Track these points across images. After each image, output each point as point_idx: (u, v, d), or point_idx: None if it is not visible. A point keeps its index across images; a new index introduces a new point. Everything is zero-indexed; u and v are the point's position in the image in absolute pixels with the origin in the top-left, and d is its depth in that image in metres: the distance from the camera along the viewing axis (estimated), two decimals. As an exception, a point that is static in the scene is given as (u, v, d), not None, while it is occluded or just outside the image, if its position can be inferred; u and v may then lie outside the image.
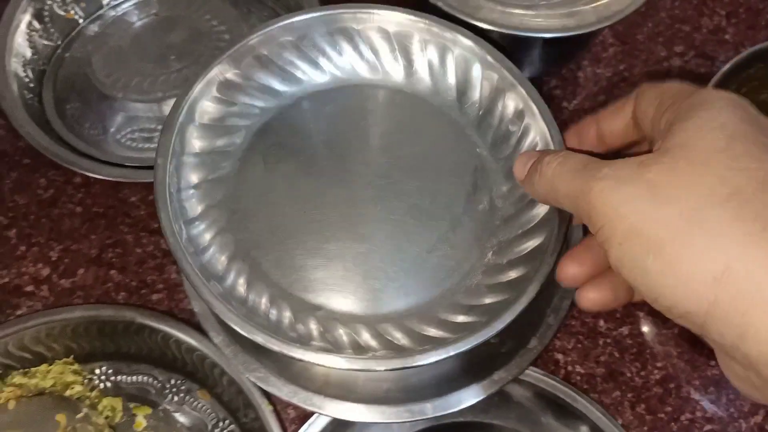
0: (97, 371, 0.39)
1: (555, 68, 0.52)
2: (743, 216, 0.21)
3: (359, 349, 0.29)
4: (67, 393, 0.37)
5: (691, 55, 0.53)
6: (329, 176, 0.34)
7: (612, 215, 0.23)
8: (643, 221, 0.22)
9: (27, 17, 0.46)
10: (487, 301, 0.30)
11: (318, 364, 0.28)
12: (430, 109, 0.36)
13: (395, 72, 0.37)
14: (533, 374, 0.40)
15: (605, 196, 0.24)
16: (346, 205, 0.33)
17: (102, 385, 0.39)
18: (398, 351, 0.29)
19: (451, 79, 0.37)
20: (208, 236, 0.31)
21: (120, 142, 0.43)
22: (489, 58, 0.37)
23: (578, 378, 0.42)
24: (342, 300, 0.31)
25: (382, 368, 0.28)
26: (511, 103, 0.36)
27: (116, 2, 0.49)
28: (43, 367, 0.37)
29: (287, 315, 0.30)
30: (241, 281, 0.30)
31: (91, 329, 0.38)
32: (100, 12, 0.49)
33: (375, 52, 0.37)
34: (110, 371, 0.39)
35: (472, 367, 0.37)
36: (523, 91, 0.36)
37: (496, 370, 0.37)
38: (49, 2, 0.47)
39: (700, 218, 0.21)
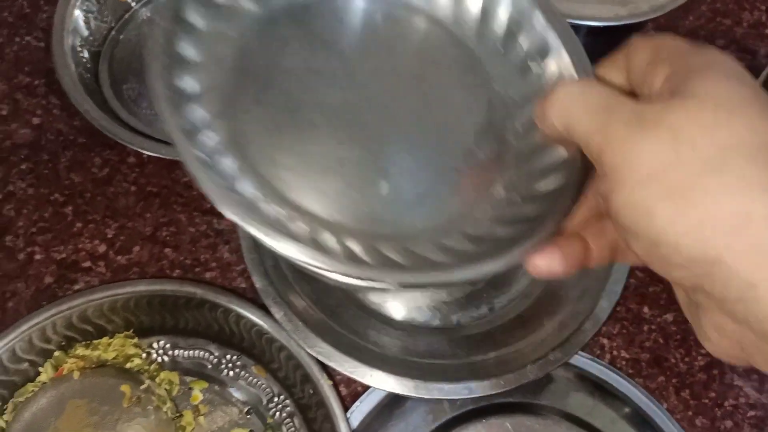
0: (155, 345, 0.40)
1: (599, 59, 0.52)
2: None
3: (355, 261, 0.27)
4: (127, 365, 0.38)
5: (732, 49, 0.54)
6: (340, 83, 0.31)
7: (630, 159, 0.22)
8: (664, 166, 0.21)
9: (81, 1, 0.47)
10: (497, 233, 0.28)
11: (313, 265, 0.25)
12: (448, 37, 0.33)
13: None
14: (580, 358, 0.41)
15: (625, 140, 0.22)
16: (354, 118, 0.30)
17: (160, 359, 0.40)
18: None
19: (473, 6, 0.34)
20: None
21: (178, 121, 0.44)
22: None
23: (623, 363, 0.43)
24: (339, 211, 0.28)
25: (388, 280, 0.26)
26: (536, 36, 0.32)
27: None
28: (105, 339, 0.38)
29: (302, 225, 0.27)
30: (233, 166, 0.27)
31: (153, 303, 0.39)
32: (154, -4, 0.50)
33: None
34: (168, 345, 0.40)
35: (529, 345, 0.38)
36: (552, 24, 0.32)
37: (552, 350, 0.38)
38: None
39: (725, 165, 0.21)
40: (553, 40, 0.32)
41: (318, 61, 0.31)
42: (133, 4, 0.50)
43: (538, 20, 0.32)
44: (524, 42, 0.32)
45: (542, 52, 0.32)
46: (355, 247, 0.27)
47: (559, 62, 0.31)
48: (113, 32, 0.49)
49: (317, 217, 0.27)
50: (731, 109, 0.22)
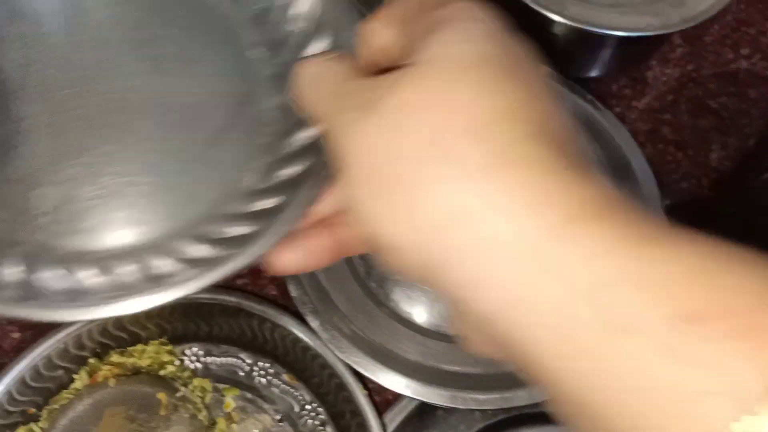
0: (188, 352, 0.40)
1: (626, 68, 0.52)
2: (484, 150, 0.18)
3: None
4: (161, 372, 0.38)
5: (757, 58, 0.54)
6: (60, 75, 0.27)
7: (354, 152, 0.19)
8: (384, 156, 0.19)
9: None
10: (237, 232, 0.25)
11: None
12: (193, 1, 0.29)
13: None
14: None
15: (351, 129, 0.19)
16: (80, 112, 0.26)
17: (192, 366, 0.40)
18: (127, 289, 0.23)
19: None
20: None
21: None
22: None
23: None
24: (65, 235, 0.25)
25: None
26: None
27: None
28: (139, 346, 0.38)
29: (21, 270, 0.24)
30: None
31: (188, 310, 0.39)
32: None
33: None
34: (201, 352, 0.40)
35: None
36: None
37: None
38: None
39: (442, 151, 0.18)
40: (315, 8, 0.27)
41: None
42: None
43: None
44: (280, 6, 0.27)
45: (302, 20, 0.27)
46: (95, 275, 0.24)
47: (319, 30, 0.26)
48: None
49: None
50: (456, 77, 0.18)
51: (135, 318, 0.38)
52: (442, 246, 0.18)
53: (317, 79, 0.22)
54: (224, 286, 0.41)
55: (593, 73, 0.51)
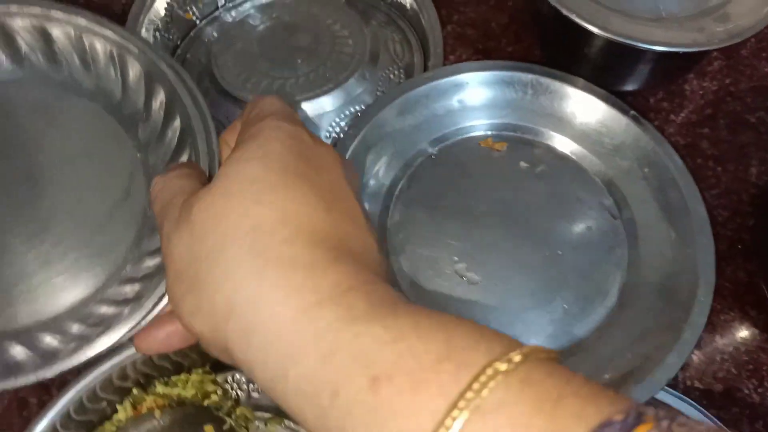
0: (230, 379, 0.39)
1: (665, 81, 0.51)
2: (254, 251, 0.22)
3: None
4: (205, 402, 0.37)
5: (792, 71, 0.53)
6: None
7: (169, 258, 0.23)
8: (187, 261, 0.23)
9: (152, 14, 0.46)
10: (106, 313, 0.29)
11: None
12: (87, 106, 0.32)
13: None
14: (656, 389, 0.40)
15: (166, 239, 0.24)
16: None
17: (235, 394, 0.38)
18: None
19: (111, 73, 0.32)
20: None
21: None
22: (134, 48, 0.32)
23: (697, 394, 0.42)
24: None
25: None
26: (160, 97, 0.31)
27: (231, 4, 0.49)
28: (183, 376, 0.37)
29: None
30: None
31: None
32: (216, 14, 0.48)
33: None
34: (243, 380, 0.39)
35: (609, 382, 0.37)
36: (174, 80, 0.31)
37: (631, 386, 0.36)
38: (170, 1, 0.47)
39: (222, 253, 0.22)
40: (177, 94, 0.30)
41: None
42: (198, 22, 0.49)
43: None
44: (158, 104, 0.31)
45: (170, 110, 0.31)
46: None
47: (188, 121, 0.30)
48: (179, 51, 0.47)
49: None
50: (237, 192, 0.23)
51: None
52: (225, 335, 0.21)
53: (164, 189, 0.26)
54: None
55: (630, 87, 0.50)
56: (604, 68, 0.47)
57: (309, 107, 0.42)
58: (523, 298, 0.37)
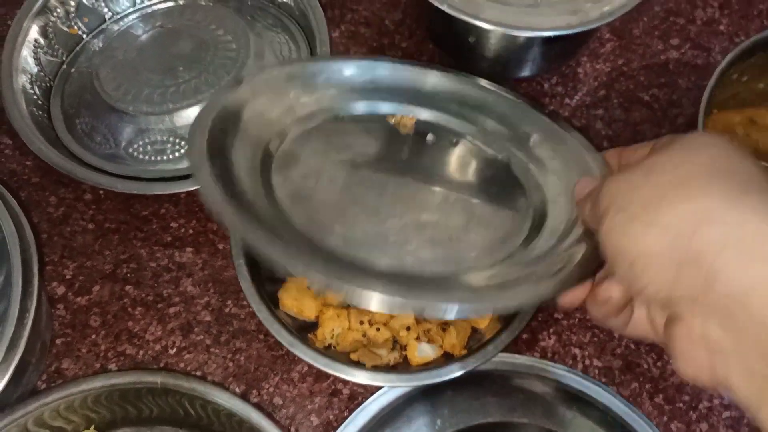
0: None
1: (556, 66, 0.52)
2: (727, 185, 0.23)
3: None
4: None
5: (687, 47, 0.54)
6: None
7: (611, 190, 0.26)
8: (634, 193, 0.25)
9: (32, 34, 0.46)
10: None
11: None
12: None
13: None
14: (554, 370, 0.41)
15: (610, 182, 0.27)
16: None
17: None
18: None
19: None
20: None
21: (132, 155, 0.43)
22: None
23: (596, 371, 0.42)
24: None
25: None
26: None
27: (118, 16, 0.49)
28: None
29: None
30: None
31: (112, 397, 0.37)
32: (103, 26, 0.49)
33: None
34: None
35: None
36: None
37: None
38: (53, 18, 0.47)
39: (688, 183, 0.24)
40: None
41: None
42: (84, 36, 0.49)
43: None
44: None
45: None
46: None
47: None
48: (64, 66, 0.48)
49: None
50: (696, 150, 0.26)
51: (56, 413, 0.37)
52: (685, 246, 0.23)
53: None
54: (144, 368, 0.40)
55: (524, 74, 0.51)
56: (493, 59, 0.48)
57: (190, 114, 0.43)
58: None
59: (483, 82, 0.43)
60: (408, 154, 0.40)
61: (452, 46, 0.49)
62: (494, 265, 0.34)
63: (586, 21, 0.43)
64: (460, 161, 0.41)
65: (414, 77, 0.42)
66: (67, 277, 0.43)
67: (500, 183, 0.39)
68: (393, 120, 0.42)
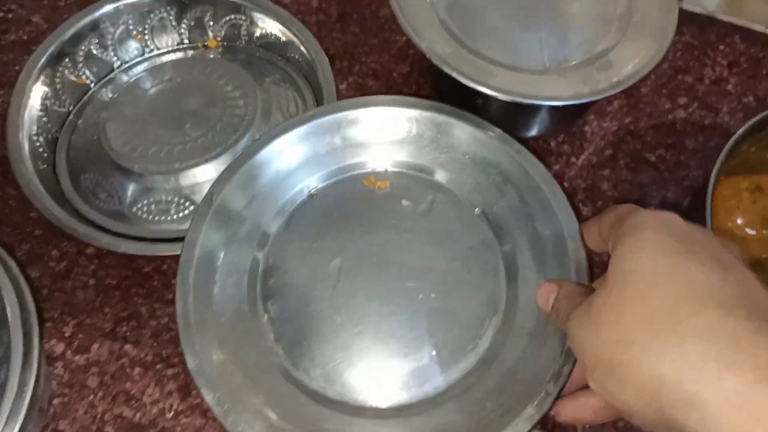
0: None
1: (564, 126, 0.52)
2: (663, 334, 0.24)
3: None
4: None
5: (694, 107, 0.54)
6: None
7: (579, 350, 0.27)
8: (595, 350, 0.26)
9: (39, 84, 0.45)
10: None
11: None
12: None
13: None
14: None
15: (572, 336, 0.28)
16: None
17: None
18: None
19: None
20: None
21: (136, 214, 0.42)
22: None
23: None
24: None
25: None
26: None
27: (127, 65, 0.49)
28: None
29: None
30: None
31: None
32: (111, 75, 0.49)
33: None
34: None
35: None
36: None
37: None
38: (60, 68, 0.47)
39: (630, 340, 0.25)
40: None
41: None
42: (92, 85, 0.49)
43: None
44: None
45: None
46: None
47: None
48: (71, 116, 0.47)
49: None
50: (630, 285, 0.26)
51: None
52: (660, 405, 0.23)
53: (565, 300, 0.32)
54: None
55: (531, 134, 0.51)
56: (500, 119, 0.48)
57: (196, 173, 0.43)
58: (389, 345, 0.37)
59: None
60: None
61: (460, 105, 0.49)
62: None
63: (595, 90, 0.43)
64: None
65: None
66: (67, 334, 0.42)
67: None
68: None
